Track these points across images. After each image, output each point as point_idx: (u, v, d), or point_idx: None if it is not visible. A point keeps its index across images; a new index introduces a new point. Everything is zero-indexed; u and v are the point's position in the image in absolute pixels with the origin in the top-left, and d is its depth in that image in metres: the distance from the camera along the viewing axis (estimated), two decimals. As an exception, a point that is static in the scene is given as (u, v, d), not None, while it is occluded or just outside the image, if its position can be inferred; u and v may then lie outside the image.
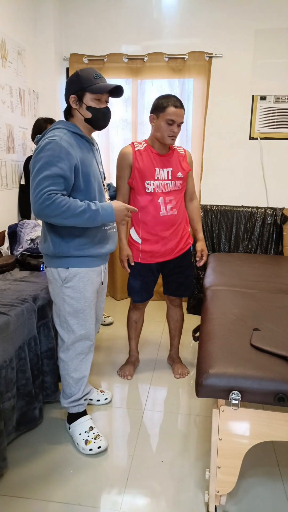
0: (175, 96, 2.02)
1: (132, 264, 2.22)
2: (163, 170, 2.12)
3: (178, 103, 1.99)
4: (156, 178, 2.11)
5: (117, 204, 1.66)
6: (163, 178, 2.12)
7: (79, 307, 1.74)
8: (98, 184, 1.70)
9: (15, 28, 2.96)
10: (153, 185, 2.11)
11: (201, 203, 3.62)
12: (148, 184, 2.10)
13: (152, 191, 2.11)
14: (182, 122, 2.03)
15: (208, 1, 3.30)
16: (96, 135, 3.56)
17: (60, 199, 1.50)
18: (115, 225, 1.84)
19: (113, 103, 3.56)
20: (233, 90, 3.42)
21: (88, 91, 1.61)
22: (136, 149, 2.11)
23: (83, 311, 1.75)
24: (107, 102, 1.67)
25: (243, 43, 3.33)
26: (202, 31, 3.35)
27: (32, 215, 3.00)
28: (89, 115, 1.65)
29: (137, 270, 2.25)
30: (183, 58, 3.36)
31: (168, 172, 2.13)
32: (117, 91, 1.66)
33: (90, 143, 1.71)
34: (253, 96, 3.40)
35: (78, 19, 3.47)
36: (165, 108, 1.99)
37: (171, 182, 2.14)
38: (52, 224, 1.64)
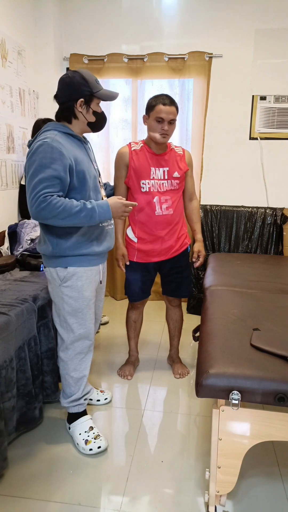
0: (165, 95, 2.02)
1: (127, 263, 2.23)
2: (159, 169, 2.12)
3: (167, 101, 1.99)
4: (151, 178, 2.11)
5: (112, 200, 1.66)
6: (159, 178, 2.12)
7: (78, 306, 1.74)
8: (94, 182, 1.71)
9: (15, 28, 2.96)
10: (149, 184, 2.11)
11: (201, 203, 3.62)
12: (143, 183, 2.10)
13: (147, 190, 2.11)
14: (173, 120, 2.01)
15: (208, 1, 3.30)
16: (96, 135, 3.57)
17: (55, 201, 1.51)
18: (112, 221, 1.84)
19: (113, 103, 3.56)
20: (233, 90, 3.42)
21: (97, 96, 1.63)
22: (132, 149, 2.12)
23: (82, 310, 1.75)
24: None
25: (243, 43, 3.33)
26: (202, 31, 3.35)
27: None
28: (93, 119, 1.68)
29: (133, 269, 2.26)
30: (183, 58, 3.36)
31: (164, 171, 2.13)
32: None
33: (82, 141, 1.72)
34: (253, 96, 3.40)
35: (78, 19, 3.47)
36: (154, 106, 2.00)
37: (167, 182, 2.14)
38: (49, 224, 1.64)
